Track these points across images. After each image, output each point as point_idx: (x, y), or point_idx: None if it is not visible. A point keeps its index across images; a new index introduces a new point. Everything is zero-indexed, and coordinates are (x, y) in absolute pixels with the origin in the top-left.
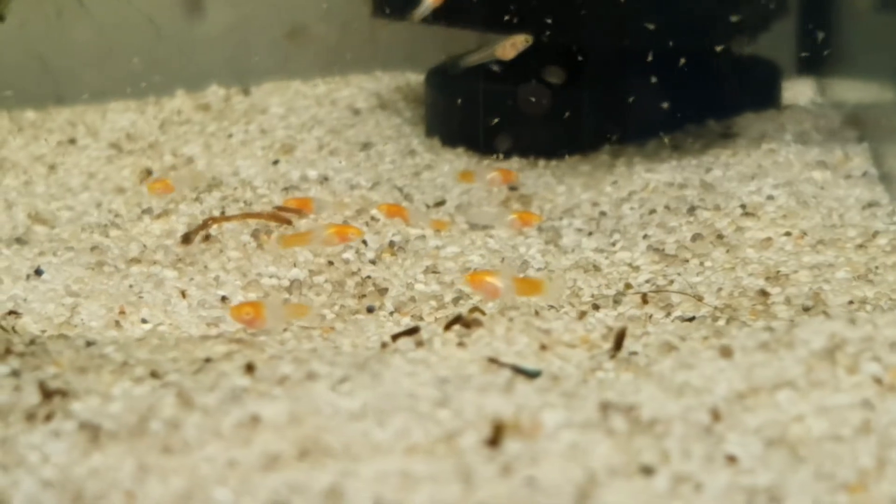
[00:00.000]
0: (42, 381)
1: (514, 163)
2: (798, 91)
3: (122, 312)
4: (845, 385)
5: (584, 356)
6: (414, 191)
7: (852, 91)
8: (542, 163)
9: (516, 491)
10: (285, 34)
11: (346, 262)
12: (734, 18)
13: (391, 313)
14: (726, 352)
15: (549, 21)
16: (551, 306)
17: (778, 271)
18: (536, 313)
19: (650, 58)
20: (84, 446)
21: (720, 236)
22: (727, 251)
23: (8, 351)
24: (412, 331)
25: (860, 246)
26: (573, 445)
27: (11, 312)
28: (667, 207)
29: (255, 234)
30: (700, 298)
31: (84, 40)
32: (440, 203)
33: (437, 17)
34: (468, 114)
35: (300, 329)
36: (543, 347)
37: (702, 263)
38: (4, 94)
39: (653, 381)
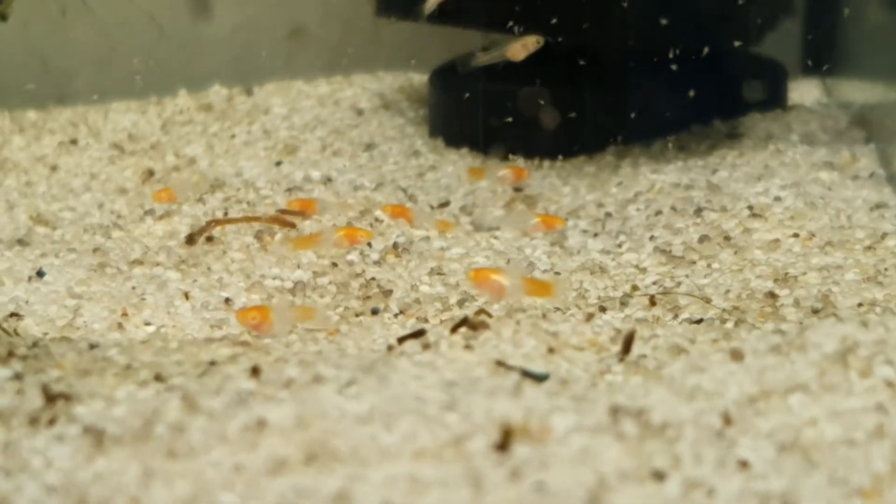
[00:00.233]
0: (45, 384)
1: (519, 163)
2: (804, 91)
3: (124, 314)
4: (858, 389)
5: (592, 359)
6: (418, 192)
7: (859, 91)
8: (546, 163)
9: (526, 496)
10: (288, 34)
11: (351, 263)
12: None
13: (396, 315)
14: (737, 355)
15: (554, 21)
16: (557, 308)
17: (786, 273)
18: (544, 315)
19: (655, 58)
20: (88, 451)
21: (727, 238)
22: (735, 253)
23: (10, 354)
24: (418, 333)
25: (869, 248)
26: (583, 450)
27: (13, 314)
28: (673, 208)
29: (258, 236)
30: (708, 300)
31: (86, 40)
32: (444, 204)
33: (441, 16)
34: (472, 114)
35: (305, 331)
36: (551, 350)
37: (709, 265)
38: (6, 94)
39: (663, 385)
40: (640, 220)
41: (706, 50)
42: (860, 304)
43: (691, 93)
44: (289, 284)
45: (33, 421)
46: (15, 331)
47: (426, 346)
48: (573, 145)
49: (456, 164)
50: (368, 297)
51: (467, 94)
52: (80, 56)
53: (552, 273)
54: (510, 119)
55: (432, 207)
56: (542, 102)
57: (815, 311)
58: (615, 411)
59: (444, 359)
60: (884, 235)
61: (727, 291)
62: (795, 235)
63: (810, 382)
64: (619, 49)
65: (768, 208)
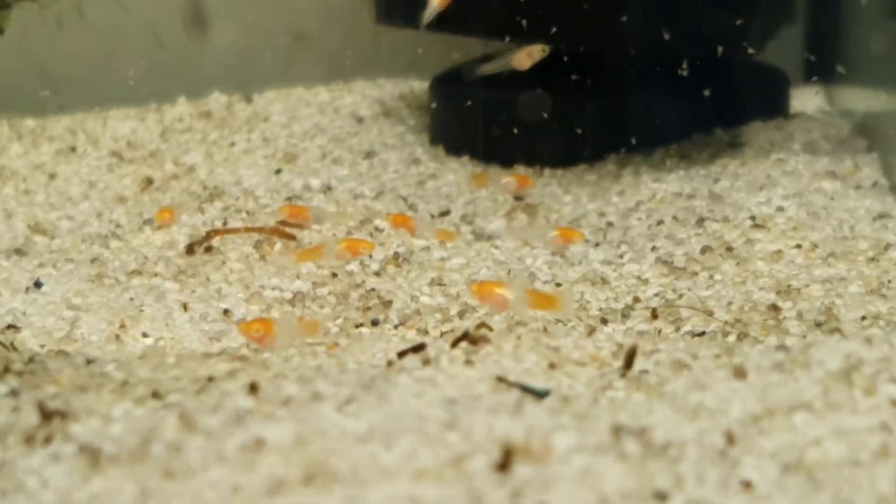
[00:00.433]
0: (41, 401)
1: (520, 171)
2: (805, 99)
3: (122, 326)
4: (862, 407)
5: (594, 374)
6: (418, 200)
7: (861, 99)
8: (547, 172)
9: None
10: (288, 41)
11: (350, 273)
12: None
13: (396, 326)
14: (740, 372)
15: (554, 29)
16: (558, 320)
17: (789, 285)
18: (545, 329)
19: (656, 66)
20: (84, 470)
21: (730, 248)
22: (737, 264)
23: (7, 370)
24: (418, 347)
25: (872, 259)
26: (585, 470)
27: (10, 326)
28: (675, 218)
29: (257, 246)
30: (710, 313)
31: (84, 48)
32: (445, 213)
33: (441, 24)
34: (473, 122)
35: (304, 345)
36: (553, 365)
37: (711, 276)
38: (4, 101)
39: (665, 402)
40: (642, 229)
41: (715, 54)
42: (864, 318)
43: (698, 96)
44: (288, 295)
45: (29, 439)
46: (12, 344)
47: (426, 362)
48: (574, 153)
49: (457, 173)
50: (368, 308)
51: (468, 102)
52: (78, 64)
53: (553, 284)
54: (511, 127)
55: (433, 216)
56: (542, 110)
57: (819, 325)
58: (617, 430)
59: (444, 374)
60: (887, 246)
61: (729, 303)
62: (798, 246)
63: (814, 401)
64: (620, 57)
65: (770, 219)
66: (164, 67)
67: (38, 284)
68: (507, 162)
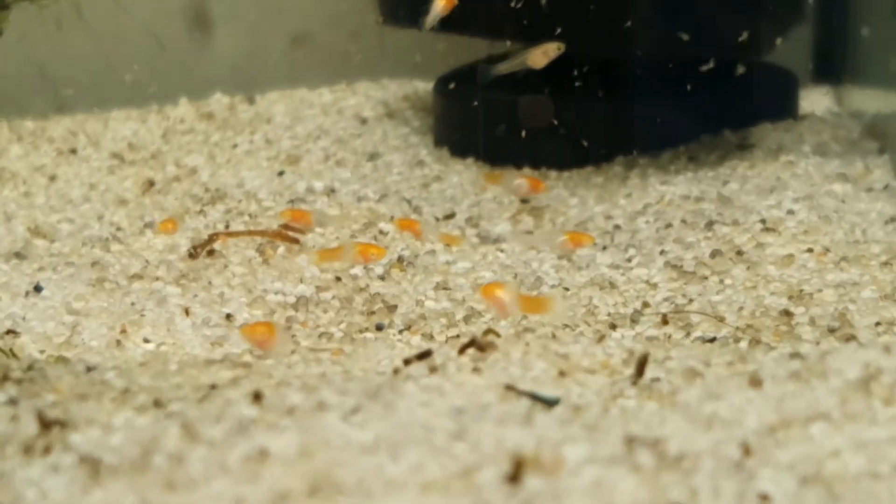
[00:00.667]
0: (40, 410)
1: (525, 173)
2: (814, 100)
3: (123, 331)
4: (882, 418)
5: (604, 382)
6: (423, 203)
7: (871, 100)
8: (553, 174)
9: None
10: (291, 42)
11: (354, 277)
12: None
13: (401, 331)
14: (755, 381)
15: (560, 30)
16: (566, 325)
17: (801, 290)
18: (554, 336)
19: (664, 67)
20: (84, 482)
21: (740, 252)
22: (748, 268)
23: (5, 377)
24: (424, 354)
25: (885, 263)
26: (597, 482)
27: (9, 332)
28: (683, 221)
29: (260, 249)
30: (721, 319)
31: (84, 50)
32: (450, 216)
33: (446, 25)
34: (478, 124)
35: (308, 351)
36: (562, 373)
37: (721, 281)
38: (3, 103)
39: (679, 412)
40: (650, 233)
41: (723, 56)
42: (878, 323)
43: (706, 98)
44: (291, 299)
45: (28, 449)
46: (11, 349)
47: (433, 369)
48: (580, 156)
49: (461, 175)
50: (373, 313)
51: (473, 104)
52: (78, 65)
53: (561, 288)
54: (517, 128)
55: (437, 219)
56: (544, 116)
57: (832, 331)
58: (630, 441)
59: (451, 382)
60: None
61: (740, 309)
62: (810, 250)
63: (832, 411)
64: (627, 58)
65: (781, 222)
66: (165, 68)
67: (37, 289)
68: (512, 164)
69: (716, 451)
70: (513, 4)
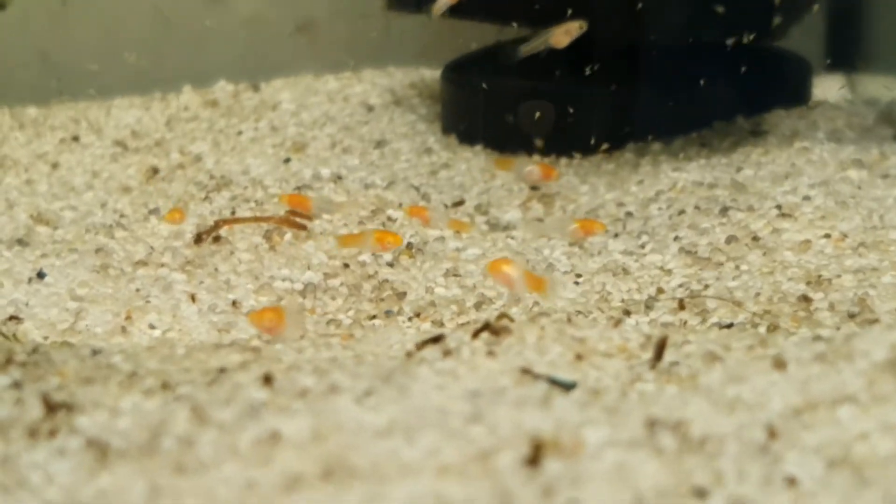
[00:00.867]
0: (45, 393)
1: (535, 160)
2: (827, 87)
3: (128, 318)
4: None
5: (621, 366)
6: (431, 190)
7: (885, 88)
8: (563, 161)
9: None
10: (296, 28)
11: (363, 264)
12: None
13: (410, 318)
14: (779, 363)
15: (571, 14)
16: (579, 312)
17: (819, 275)
18: (569, 320)
19: (677, 53)
20: (91, 465)
21: (756, 238)
22: (764, 254)
23: (9, 360)
24: (437, 339)
25: None
26: (619, 466)
27: (12, 318)
28: (697, 208)
29: (266, 236)
30: (739, 304)
31: (88, 34)
32: (459, 203)
33: (453, 10)
34: (486, 110)
35: (318, 336)
36: (579, 357)
37: (737, 267)
38: (5, 89)
39: (701, 395)
40: (663, 219)
41: (736, 40)
42: None
43: (718, 84)
44: (299, 286)
45: (33, 433)
46: (14, 335)
47: (447, 353)
48: (590, 142)
49: (470, 162)
50: (382, 300)
51: (482, 90)
52: (81, 50)
53: (574, 275)
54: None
55: (446, 206)
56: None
57: (852, 316)
58: (651, 424)
59: (465, 366)
60: None
61: (757, 294)
62: (827, 236)
63: (859, 393)
64: (639, 43)
65: (797, 208)
66: (169, 56)
67: (40, 275)
68: (521, 151)
69: (740, 434)
70: None
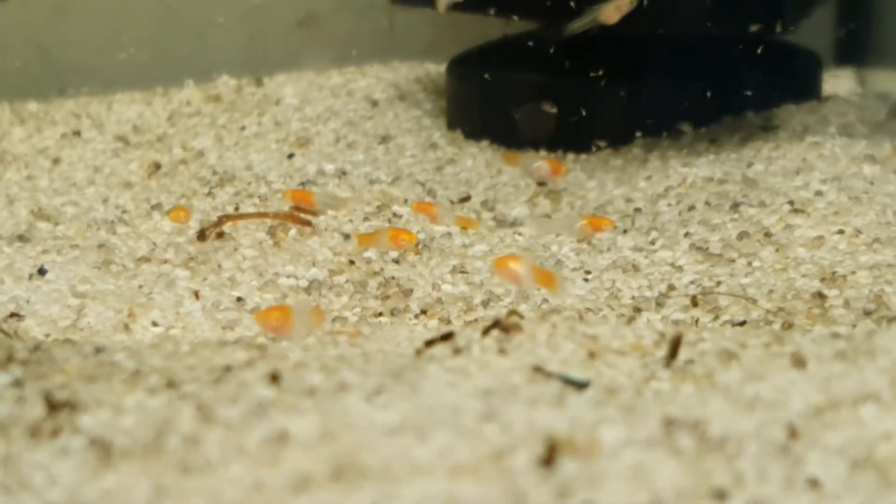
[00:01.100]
0: (47, 391)
1: (542, 155)
2: (837, 82)
3: (130, 315)
4: None
5: (635, 364)
6: (437, 186)
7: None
8: (570, 157)
9: None
10: (299, 22)
11: (369, 261)
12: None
13: (417, 315)
14: (799, 361)
15: (576, 7)
16: (589, 309)
17: (834, 272)
18: (580, 317)
19: (685, 46)
20: (94, 465)
21: (768, 234)
22: (777, 250)
23: (10, 358)
24: (447, 336)
25: None
26: (636, 466)
27: (13, 315)
28: (707, 203)
29: (271, 232)
30: (752, 301)
31: (88, 28)
32: (465, 199)
33: (460, 5)
34: (493, 105)
35: (325, 333)
36: (591, 355)
37: (750, 263)
38: (6, 84)
39: (719, 394)
40: (673, 215)
41: (746, 33)
42: None
43: (728, 78)
44: (304, 283)
45: (35, 432)
46: (15, 332)
47: (457, 351)
48: (598, 138)
49: (476, 158)
50: (388, 297)
51: (488, 85)
52: (82, 45)
53: (583, 272)
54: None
55: (452, 202)
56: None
57: (868, 313)
58: (669, 423)
59: (476, 364)
60: None
61: (770, 291)
62: (840, 232)
63: (882, 392)
64: (647, 37)
65: (810, 203)
66: (171, 50)
67: (41, 271)
68: (528, 146)
69: (760, 433)
70: None
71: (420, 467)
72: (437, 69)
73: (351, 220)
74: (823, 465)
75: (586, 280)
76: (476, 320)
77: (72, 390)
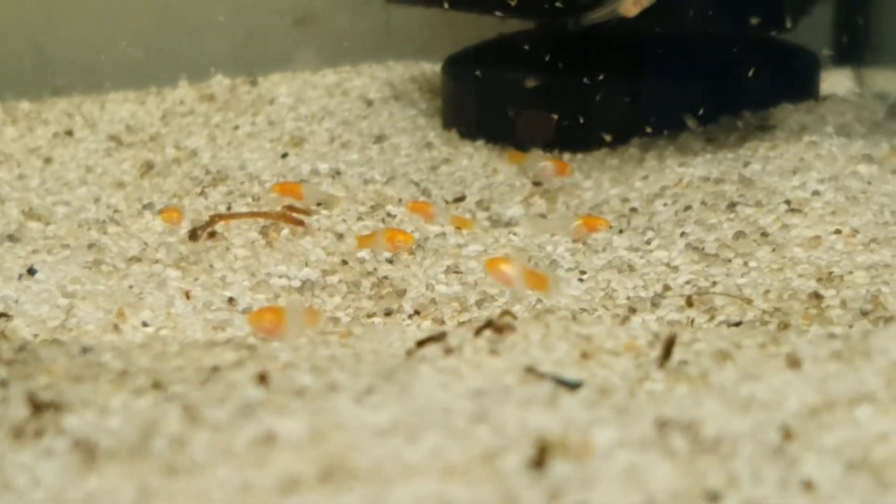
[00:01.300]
0: (32, 392)
1: (537, 155)
2: (834, 81)
3: (121, 315)
4: None
5: (628, 365)
6: (432, 185)
7: (894, 82)
8: (566, 156)
9: None
10: (294, 21)
11: (362, 261)
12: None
13: (410, 316)
14: (794, 362)
15: (576, 7)
16: (583, 310)
17: (830, 272)
18: (574, 317)
19: (682, 45)
20: (79, 467)
21: (765, 234)
22: (773, 250)
23: None
24: (439, 336)
25: None
26: (629, 467)
27: (1, 315)
28: (703, 203)
29: (263, 231)
30: (749, 301)
31: (82, 27)
32: (460, 199)
33: (454, 2)
34: (488, 105)
35: (316, 334)
36: (585, 355)
37: (746, 263)
38: None
39: (713, 395)
40: (669, 215)
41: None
42: None
43: (725, 77)
44: (296, 283)
45: (18, 433)
46: (3, 332)
47: (448, 351)
48: (594, 137)
49: (471, 158)
50: (381, 297)
51: (483, 84)
52: (75, 44)
53: (578, 272)
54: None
55: (447, 202)
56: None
57: (865, 313)
58: (662, 424)
59: (468, 365)
60: None
61: (767, 291)
62: (838, 232)
63: (878, 392)
64: (644, 36)
65: (807, 203)
66: (164, 49)
67: (31, 271)
68: (523, 146)
69: (755, 434)
70: None
71: (411, 468)
72: (432, 68)
73: (344, 220)
74: (818, 466)
75: (581, 280)
76: (470, 320)
77: (57, 391)
